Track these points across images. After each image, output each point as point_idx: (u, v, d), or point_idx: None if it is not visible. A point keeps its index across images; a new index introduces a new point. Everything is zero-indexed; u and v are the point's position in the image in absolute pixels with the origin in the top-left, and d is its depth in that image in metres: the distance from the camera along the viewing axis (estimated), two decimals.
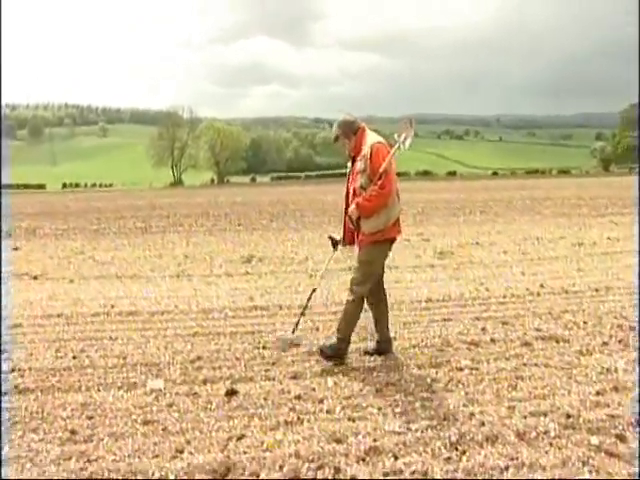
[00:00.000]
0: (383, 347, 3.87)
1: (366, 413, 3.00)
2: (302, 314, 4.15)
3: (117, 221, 14.70)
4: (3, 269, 7.10)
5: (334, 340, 3.71)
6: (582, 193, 21.50)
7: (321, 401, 3.15)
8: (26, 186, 59.03)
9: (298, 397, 3.19)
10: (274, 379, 3.47)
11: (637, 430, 2.68)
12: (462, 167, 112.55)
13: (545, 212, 14.25)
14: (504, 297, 5.51)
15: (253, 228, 12.54)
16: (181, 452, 2.64)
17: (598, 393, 3.12)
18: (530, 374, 3.44)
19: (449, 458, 2.54)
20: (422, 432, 2.77)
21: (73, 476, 2.47)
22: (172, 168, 72.66)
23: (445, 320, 4.71)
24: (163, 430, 2.85)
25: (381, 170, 3.49)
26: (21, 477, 2.47)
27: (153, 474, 2.47)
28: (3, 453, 2.67)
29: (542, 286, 5.88)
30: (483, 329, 4.40)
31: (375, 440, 2.71)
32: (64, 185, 64.19)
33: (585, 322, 4.47)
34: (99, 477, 2.46)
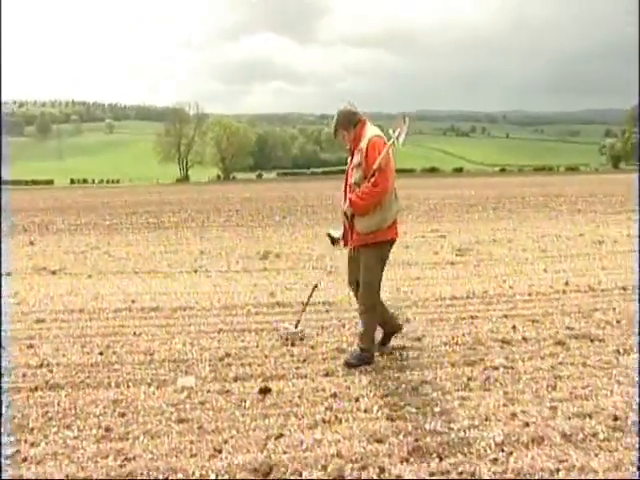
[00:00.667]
0: (388, 328, 3.81)
1: (404, 412, 2.94)
2: (303, 310, 4.17)
3: (129, 217, 14.70)
4: (24, 264, 7.09)
5: (358, 351, 3.62)
6: (594, 190, 21.26)
7: (357, 399, 3.09)
8: (35, 182, 59.32)
9: (333, 395, 3.13)
10: (306, 377, 3.41)
11: None
12: (468, 164, 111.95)
13: (559, 209, 14.10)
14: (529, 295, 5.43)
15: (266, 224, 12.49)
16: (219, 451, 2.59)
17: None
18: (568, 374, 3.36)
19: (495, 459, 2.48)
20: (464, 432, 2.71)
21: (113, 474, 2.42)
22: (179, 164, 72.76)
23: (472, 318, 4.63)
24: (199, 429, 2.80)
25: (375, 167, 3.29)
26: (60, 474, 2.43)
27: (193, 473, 2.42)
28: (40, 448, 2.64)
29: (567, 284, 5.78)
30: (513, 327, 4.32)
31: (417, 440, 2.65)
32: (72, 181, 64.45)
33: (618, 321, 4.38)
34: (139, 476, 2.41)
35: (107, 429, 2.82)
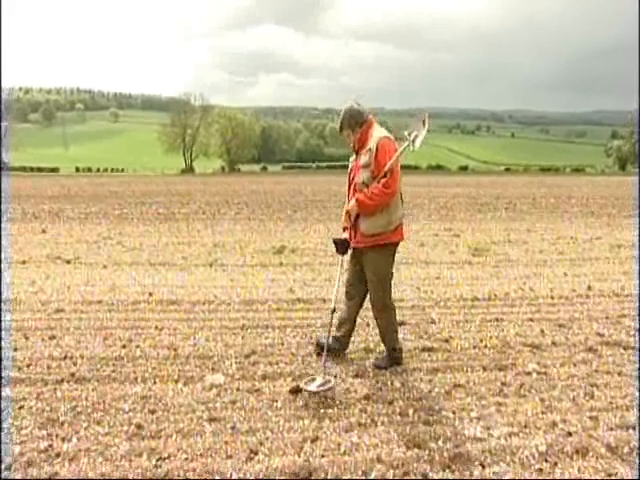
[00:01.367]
0: (336, 346, 3.61)
1: (441, 417, 2.88)
2: (326, 354, 3.47)
3: (138, 207, 14.63)
4: (39, 252, 7.03)
5: (386, 353, 3.57)
6: (604, 192, 21.12)
7: (391, 402, 3.03)
8: (40, 169, 59.23)
9: (366, 397, 3.08)
10: (336, 377, 3.35)
11: None
12: (473, 162, 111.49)
13: (572, 211, 13.98)
14: (552, 298, 5.35)
15: (277, 218, 12.40)
16: (255, 453, 2.53)
17: None
18: (604, 382, 3.29)
19: (541, 469, 2.42)
20: (505, 439, 2.65)
21: (148, 474, 2.37)
22: (183, 155, 72.54)
23: (498, 320, 4.57)
24: (232, 429, 2.75)
25: (386, 168, 3.23)
26: (95, 472, 2.38)
27: (231, 475, 2.37)
28: (72, 444, 2.59)
29: (589, 288, 5.71)
30: (542, 331, 4.25)
31: (457, 446, 2.59)
32: (77, 169, 64.33)
33: None
34: (175, 477, 2.36)
35: (138, 426, 2.77)
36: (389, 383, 3.28)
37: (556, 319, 4.61)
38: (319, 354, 3.60)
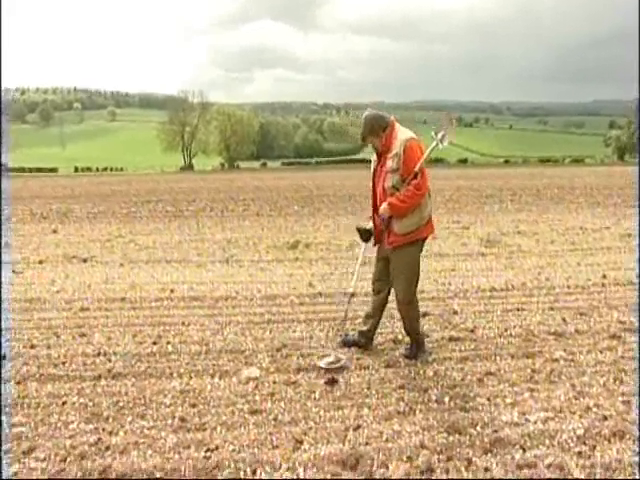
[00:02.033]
0: (363, 341, 3.71)
1: (476, 403, 2.94)
2: (344, 320, 3.91)
3: (145, 205, 14.66)
4: (53, 251, 7.08)
5: (411, 344, 3.62)
6: (607, 182, 21.16)
7: (426, 390, 3.10)
8: (39, 169, 59.11)
9: (402, 387, 3.14)
10: (369, 367, 3.42)
11: None
12: (472, 154, 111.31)
13: (578, 201, 14.04)
14: (568, 287, 5.42)
15: (286, 214, 12.45)
16: (301, 443, 2.60)
17: None
18: (633, 368, 3.36)
19: (580, 452, 2.48)
20: (542, 424, 2.72)
21: (199, 465, 2.43)
22: (182, 152, 72.39)
23: (518, 310, 4.63)
24: (274, 420, 2.81)
25: (416, 169, 3.30)
26: (146, 463, 2.44)
27: (280, 465, 2.43)
28: (120, 438, 2.65)
29: (604, 277, 5.77)
30: (563, 319, 4.32)
31: (496, 431, 2.66)
32: (76, 169, 64.17)
33: None
34: (225, 468, 2.42)
35: (182, 419, 2.83)
36: (422, 372, 3.35)
37: (576, 307, 4.67)
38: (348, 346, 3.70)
